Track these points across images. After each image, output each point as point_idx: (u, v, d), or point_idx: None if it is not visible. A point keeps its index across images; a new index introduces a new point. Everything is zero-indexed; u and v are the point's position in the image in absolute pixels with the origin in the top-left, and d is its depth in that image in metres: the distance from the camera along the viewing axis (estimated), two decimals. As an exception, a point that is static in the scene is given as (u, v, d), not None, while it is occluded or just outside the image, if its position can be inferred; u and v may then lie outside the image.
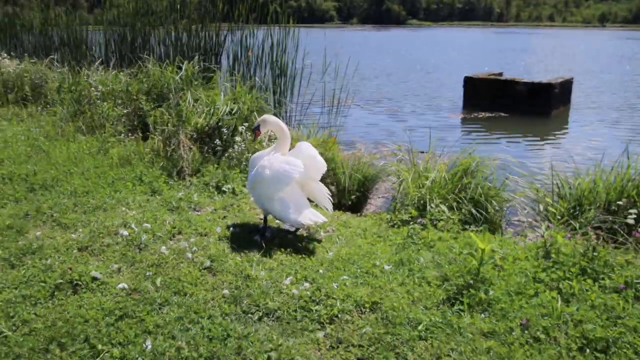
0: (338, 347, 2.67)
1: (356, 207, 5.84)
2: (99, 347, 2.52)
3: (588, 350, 2.58)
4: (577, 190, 4.47)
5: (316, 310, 2.95)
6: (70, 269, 3.32)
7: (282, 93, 8.21)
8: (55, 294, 3.06)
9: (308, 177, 4.03)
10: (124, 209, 4.51)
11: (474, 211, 4.36)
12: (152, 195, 4.89)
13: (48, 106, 8.07)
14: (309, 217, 3.82)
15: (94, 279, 3.24)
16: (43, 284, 3.14)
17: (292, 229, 4.18)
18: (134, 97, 6.98)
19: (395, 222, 4.38)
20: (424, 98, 16.11)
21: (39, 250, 3.64)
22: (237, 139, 5.67)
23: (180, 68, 7.49)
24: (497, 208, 4.59)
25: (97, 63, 9.08)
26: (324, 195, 4.17)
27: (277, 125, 4.10)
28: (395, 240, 3.98)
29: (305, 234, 4.17)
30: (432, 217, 4.26)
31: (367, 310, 2.98)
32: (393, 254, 3.69)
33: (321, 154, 5.92)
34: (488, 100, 13.73)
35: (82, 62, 9.36)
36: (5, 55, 9.37)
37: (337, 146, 6.68)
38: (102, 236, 3.91)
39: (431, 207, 4.37)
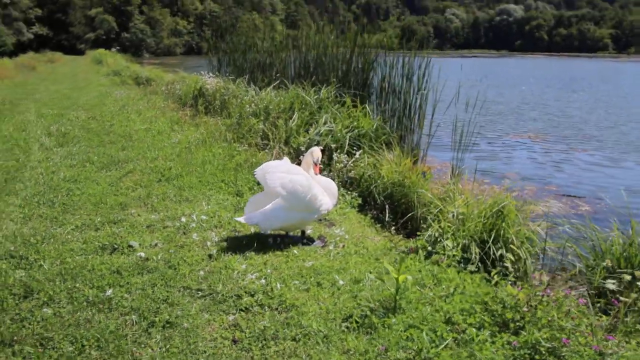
0: (229, 328, 3.27)
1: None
2: (78, 285, 3.65)
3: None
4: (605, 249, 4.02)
5: (244, 300, 3.57)
6: (121, 237, 4.59)
7: (409, 121, 8.60)
8: (98, 251, 4.34)
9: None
10: (203, 203, 5.69)
11: (478, 250, 4.29)
12: (234, 196, 5.99)
13: (225, 118, 9.99)
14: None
15: (130, 246, 4.43)
16: (97, 244, 4.45)
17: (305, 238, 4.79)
18: (274, 114, 8.28)
19: (403, 248, 4.59)
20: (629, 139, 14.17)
21: (120, 222, 5.03)
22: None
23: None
24: (517, 255, 4.40)
25: (274, 83, 10.79)
26: None
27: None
28: (383, 263, 4.25)
29: (321, 247, 4.68)
30: (432, 250, 4.37)
31: (283, 309, 3.49)
32: (361, 273, 4.02)
33: (400, 180, 6.30)
34: None
35: (266, 81, 11.18)
36: (211, 74, 11.84)
37: (431, 176, 6.93)
38: (168, 220, 5.13)
39: (439, 241, 4.46)
